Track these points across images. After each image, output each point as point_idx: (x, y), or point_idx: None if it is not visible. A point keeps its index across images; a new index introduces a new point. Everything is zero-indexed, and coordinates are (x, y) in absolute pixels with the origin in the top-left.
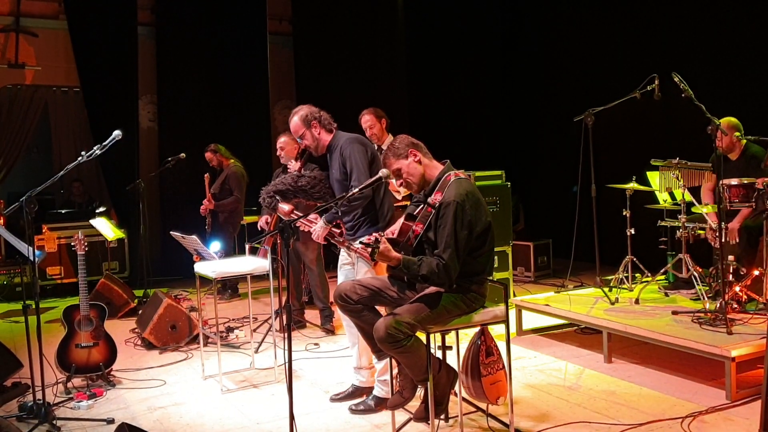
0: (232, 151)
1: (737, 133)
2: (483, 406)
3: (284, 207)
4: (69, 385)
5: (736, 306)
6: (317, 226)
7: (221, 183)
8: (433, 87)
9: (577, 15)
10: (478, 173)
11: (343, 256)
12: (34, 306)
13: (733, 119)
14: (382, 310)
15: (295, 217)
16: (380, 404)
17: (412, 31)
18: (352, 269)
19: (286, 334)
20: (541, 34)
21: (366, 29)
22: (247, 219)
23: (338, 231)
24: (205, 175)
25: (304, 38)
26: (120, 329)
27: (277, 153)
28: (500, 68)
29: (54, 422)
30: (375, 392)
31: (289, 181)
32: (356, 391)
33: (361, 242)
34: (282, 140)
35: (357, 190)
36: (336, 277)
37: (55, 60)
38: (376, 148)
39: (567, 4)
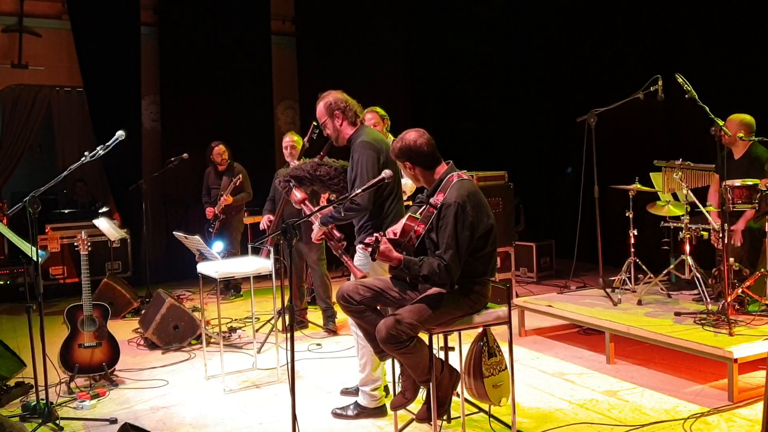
0: (235, 151)
1: (740, 134)
2: (485, 407)
3: (297, 194)
4: (72, 385)
5: (738, 307)
6: (315, 226)
7: (230, 181)
8: (436, 87)
9: (580, 15)
10: (481, 173)
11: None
12: (36, 306)
13: (747, 117)
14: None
15: (306, 210)
16: (361, 413)
17: (415, 31)
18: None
19: (288, 335)
20: (545, 34)
21: (369, 29)
22: (249, 219)
23: (338, 235)
24: (239, 178)
25: (308, 38)
26: (123, 329)
27: (284, 151)
28: (503, 68)
29: (57, 422)
30: (358, 400)
31: (308, 168)
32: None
33: (362, 242)
34: (287, 139)
35: (360, 190)
36: (339, 277)
37: (58, 60)
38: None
39: (571, 4)
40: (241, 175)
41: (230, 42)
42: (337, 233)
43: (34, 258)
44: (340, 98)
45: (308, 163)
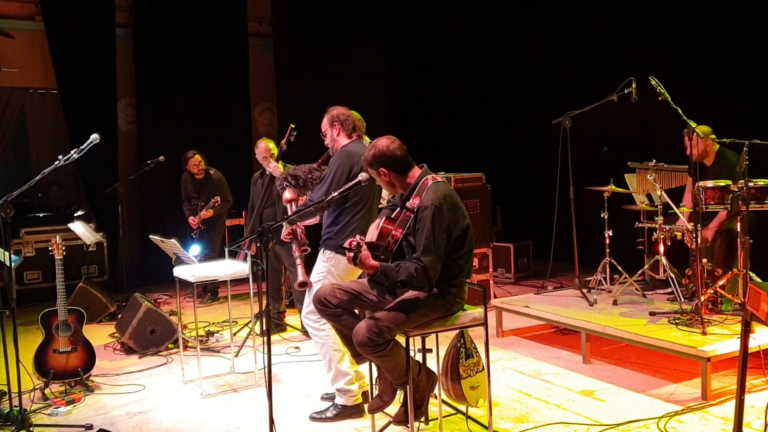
0: (213, 154)
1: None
2: (463, 408)
3: (287, 194)
4: (47, 391)
5: (711, 307)
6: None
7: (208, 192)
8: (415, 89)
9: (556, 19)
10: (459, 175)
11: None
12: (10, 311)
13: (705, 127)
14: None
15: (289, 210)
16: (341, 413)
17: (393, 34)
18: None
19: (265, 338)
20: (522, 38)
21: (347, 31)
22: (227, 222)
23: (303, 239)
24: (216, 200)
25: (285, 40)
26: (99, 334)
27: (260, 157)
28: (480, 71)
29: (31, 429)
30: (336, 400)
31: (306, 170)
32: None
33: (343, 247)
34: (262, 146)
35: (337, 194)
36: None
37: (32, 62)
38: None
39: (546, 8)
40: (219, 197)
41: (207, 44)
42: (304, 238)
43: (7, 263)
44: (343, 112)
45: (308, 166)
